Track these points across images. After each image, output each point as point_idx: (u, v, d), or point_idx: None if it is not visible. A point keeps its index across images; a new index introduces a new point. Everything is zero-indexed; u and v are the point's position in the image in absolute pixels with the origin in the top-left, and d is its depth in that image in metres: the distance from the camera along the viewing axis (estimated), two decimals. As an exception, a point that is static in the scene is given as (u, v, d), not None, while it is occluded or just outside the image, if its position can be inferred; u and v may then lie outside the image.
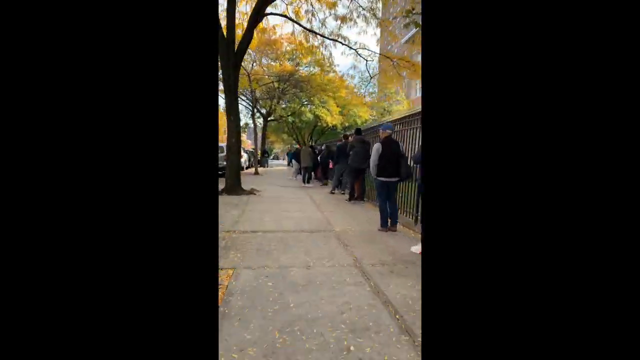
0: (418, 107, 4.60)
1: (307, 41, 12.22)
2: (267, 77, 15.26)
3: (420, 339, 1.69)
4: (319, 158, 10.30)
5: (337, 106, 20.34)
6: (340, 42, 8.68)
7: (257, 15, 6.78)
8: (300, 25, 8.50)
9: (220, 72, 6.91)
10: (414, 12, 4.88)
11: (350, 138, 7.70)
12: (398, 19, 6.60)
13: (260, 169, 17.17)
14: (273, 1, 6.95)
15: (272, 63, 15.68)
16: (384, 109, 25.10)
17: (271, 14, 7.73)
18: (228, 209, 5.21)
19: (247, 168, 17.72)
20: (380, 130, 4.18)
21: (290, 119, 23.45)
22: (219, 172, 11.45)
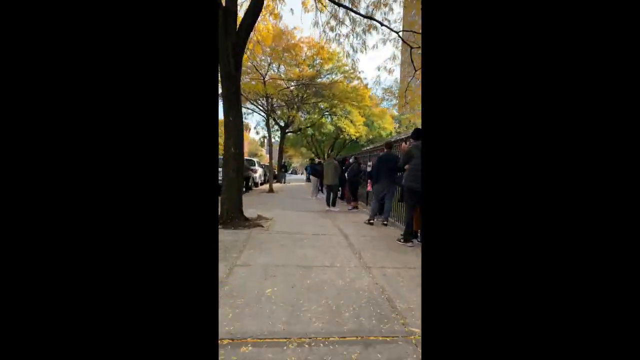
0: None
1: (330, 41, 10.27)
2: (284, 83, 13.32)
3: None
4: (345, 174, 8.05)
5: (362, 116, 18.21)
6: (378, 22, 6.55)
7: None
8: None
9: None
10: None
11: (392, 148, 5.45)
12: None
13: (276, 185, 15.17)
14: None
15: (290, 68, 13.80)
16: (410, 121, 22.87)
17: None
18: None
19: (261, 184, 15.72)
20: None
21: (309, 130, 21.54)
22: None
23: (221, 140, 5.29)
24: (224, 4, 4.76)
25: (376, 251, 3.65)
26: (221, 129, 5.24)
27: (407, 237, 3.95)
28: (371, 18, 6.77)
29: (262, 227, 4.81)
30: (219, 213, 4.88)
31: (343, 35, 9.41)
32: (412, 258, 3.44)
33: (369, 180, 6.42)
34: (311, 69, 14.36)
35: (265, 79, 11.73)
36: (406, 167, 3.88)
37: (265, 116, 12.93)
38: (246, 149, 49.15)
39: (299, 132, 20.90)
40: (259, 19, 5.70)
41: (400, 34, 6.81)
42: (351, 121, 18.45)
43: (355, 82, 16.16)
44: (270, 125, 21.26)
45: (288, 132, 20.00)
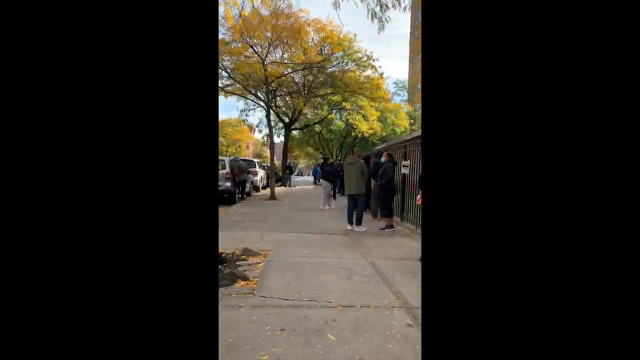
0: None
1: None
2: (288, 69, 11.10)
3: None
4: (372, 178, 5.77)
5: (376, 110, 15.96)
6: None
7: None
8: None
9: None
10: None
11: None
12: None
13: (280, 190, 12.94)
14: None
15: (295, 52, 11.58)
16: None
17: None
18: None
19: (264, 187, 13.58)
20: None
21: (317, 127, 19.35)
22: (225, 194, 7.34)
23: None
24: None
25: None
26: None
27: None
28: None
29: (247, 281, 2.59)
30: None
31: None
32: None
33: (419, 191, 3.93)
34: (320, 56, 12.16)
35: (265, 62, 9.55)
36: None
37: (265, 108, 10.65)
38: (250, 150, 47.06)
39: (305, 130, 18.69)
40: None
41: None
42: (363, 116, 16.20)
43: (369, 72, 13.93)
44: (273, 121, 19.24)
45: (293, 129, 17.84)
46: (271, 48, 10.37)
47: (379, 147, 9.40)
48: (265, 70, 9.25)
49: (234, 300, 2.22)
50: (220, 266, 2.75)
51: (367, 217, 5.74)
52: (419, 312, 2.06)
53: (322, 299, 2.29)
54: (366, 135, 17.44)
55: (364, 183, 5.02)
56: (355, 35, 14.07)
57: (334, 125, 19.09)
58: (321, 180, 7.61)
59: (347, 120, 17.48)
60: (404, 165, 5.52)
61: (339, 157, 21.22)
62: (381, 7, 5.36)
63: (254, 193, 11.66)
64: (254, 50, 9.81)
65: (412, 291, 2.47)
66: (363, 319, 2.01)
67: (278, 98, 16.98)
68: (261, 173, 13.17)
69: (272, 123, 20.04)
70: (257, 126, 19.15)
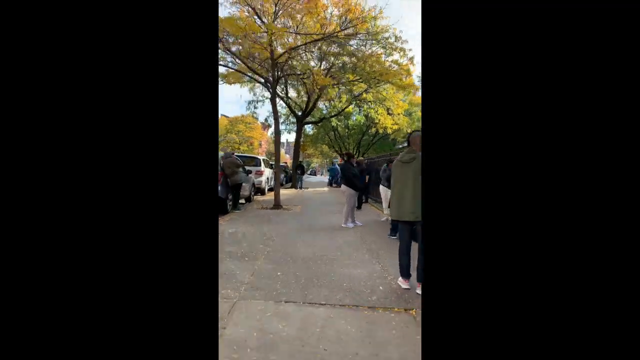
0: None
1: None
2: (299, 40, 8.71)
3: None
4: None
5: (403, 102, 13.42)
6: None
7: None
8: None
9: None
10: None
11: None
12: None
13: (289, 192, 10.77)
14: None
15: (310, 24, 9.19)
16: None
17: None
18: None
19: (270, 190, 11.33)
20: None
21: (333, 121, 16.94)
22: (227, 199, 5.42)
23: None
24: None
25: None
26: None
27: None
28: None
29: None
30: None
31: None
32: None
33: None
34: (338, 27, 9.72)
35: (270, 29, 7.22)
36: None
37: (269, 88, 8.11)
38: (263, 148, 44.88)
39: (320, 123, 16.28)
40: None
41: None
42: (387, 110, 13.70)
43: (396, 56, 11.44)
44: (284, 115, 16.79)
45: (306, 123, 15.49)
46: (279, 18, 8.05)
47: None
48: (270, 37, 6.90)
49: None
50: None
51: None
52: None
53: None
54: (389, 131, 14.92)
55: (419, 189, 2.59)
56: (381, 10, 11.56)
57: (353, 119, 16.63)
58: (343, 186, 5.22)
59: (368, 114, 15.02)
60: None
61: (358, 156, 18.80)
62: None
63: (257, 198, 9.39)
64: (258, 15, 7.51)
65: None
66: None
67: (290, 89, 14.78)
68: (267, 173, 10.88)
69: (283, 117, 17.77)
70: (266, 120, 16.72)
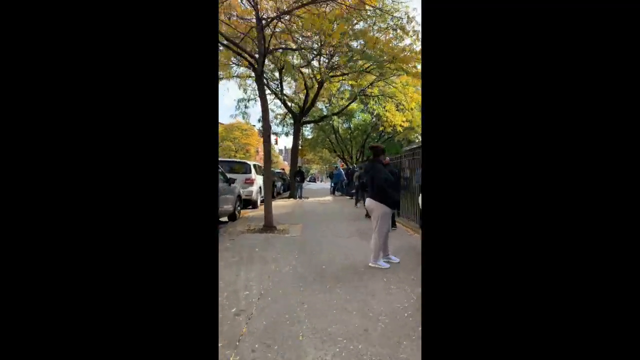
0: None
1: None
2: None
3: None
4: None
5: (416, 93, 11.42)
6: None
7: None
8: None
9: None
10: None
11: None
12: None
13: (287, 203, 8.44)
14: None
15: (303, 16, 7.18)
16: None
17: None
18: None
19: (262, 202, 9.30)
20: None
21: (335, 121, 14.83)
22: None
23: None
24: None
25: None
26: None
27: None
28: None
29: None
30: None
31: None
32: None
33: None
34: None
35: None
36: None
37: (253, 67, 5.77)
38: (260, 155, 42.83)
39: (321, 123, 14.17)
40: None
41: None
42: (398, 105, 11.74)
43: (407, 41, 9.51)
44: (280, 115, 14.72)
45: (305, 122, 13.49)
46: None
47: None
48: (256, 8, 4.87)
49: None
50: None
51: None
52: None
53: None
54: (400, 129, 12.92)
55: None
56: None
57: (357, 118, 14.57)
58: (370, 201, 3.15)
59: (374, 111, 13.04)
60: None
61: (360, 160, 16.75)
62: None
63: (247, 213, 7.35)
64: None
65: None
66: None
67: (286, 87, 12.76)
68: (260, 181, 8.83)
69: (279, 118, 15.68)
70: (259, 120, 14.71)
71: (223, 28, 5.62)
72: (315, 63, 10.38)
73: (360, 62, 9.20)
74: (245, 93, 12.64)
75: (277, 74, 10.87)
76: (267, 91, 11.86)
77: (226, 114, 77.88)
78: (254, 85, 11.01)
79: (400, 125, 12.25)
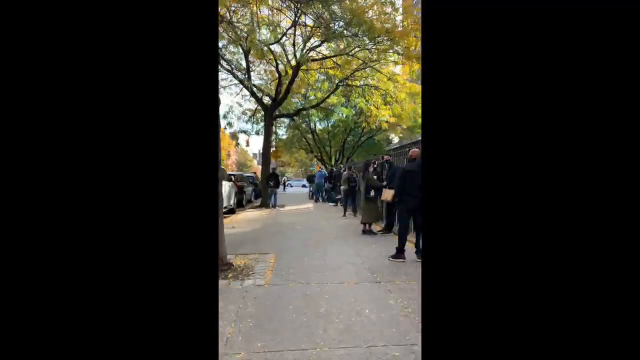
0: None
1: None
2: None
3: None
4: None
5: (408, 81, 9.79)
6: None
7: None
8: None
9: None
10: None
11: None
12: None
13: (258, 215, 6.15)
14: None
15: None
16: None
17: None
18: None
19: (231, 211, 7.16)
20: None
21: (314, 115, 12.94)
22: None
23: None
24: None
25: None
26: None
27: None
28: None
29: None
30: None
31: None
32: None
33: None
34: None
35: None
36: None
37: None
38: (232, 159, 39.86)
39: (297, 116, 12.15)
40: None
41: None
42: (384, 95, 10.07)
43: (398, 21, 7.94)
44: (249, 111, 12.47)
45: (278, 116, 11.45)
46: None
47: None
48: None
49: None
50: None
51: None
52: None
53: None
54: (385, 126, 11.29)
55: None
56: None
57: (338, 114, 12.74)
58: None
59: (356, 105, 11.33)
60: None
61: (341, 162, 15.02)
62: None
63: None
64: None
65: None
66: None
67: (254, 76, 10.68)
68: (227, 187, 6.77)
69: (249, 114, 13.56)
70: (224, 117, 12.45)
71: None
72: (289, 47, 8.52)
73: (345, 40, 7.43)
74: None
75: (244, 63, 8.84)
76: (234, 81, 9.82)
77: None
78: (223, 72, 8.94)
79: (386, 122, 10.64)
